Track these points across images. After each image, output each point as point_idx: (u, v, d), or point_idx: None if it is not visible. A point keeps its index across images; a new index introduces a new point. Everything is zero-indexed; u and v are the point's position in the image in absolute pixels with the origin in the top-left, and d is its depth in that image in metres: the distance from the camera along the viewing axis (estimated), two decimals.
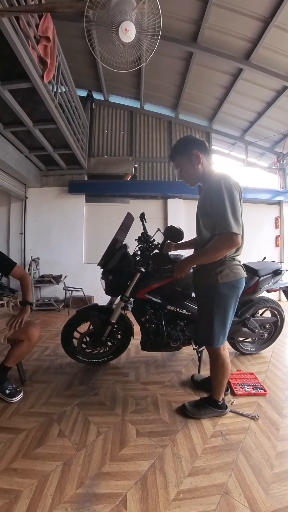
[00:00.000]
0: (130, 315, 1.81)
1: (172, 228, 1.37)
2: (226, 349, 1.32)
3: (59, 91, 2.86)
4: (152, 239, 1.76)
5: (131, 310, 1.73)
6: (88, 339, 1.82)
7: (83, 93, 4.71)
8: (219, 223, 1.09)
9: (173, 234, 1.36)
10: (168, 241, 1.49)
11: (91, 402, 1.49)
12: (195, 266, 1.34)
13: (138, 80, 4.47)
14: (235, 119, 4.86)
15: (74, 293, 3.79)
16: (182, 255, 1.73)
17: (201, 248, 1.26)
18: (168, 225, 1.45)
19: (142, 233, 1.78)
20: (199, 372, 1.76)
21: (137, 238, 1.78)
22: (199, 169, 1.23)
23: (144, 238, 1.75)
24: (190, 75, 4.06)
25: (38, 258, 4.16)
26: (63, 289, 3.80)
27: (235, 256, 1.24)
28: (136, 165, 4.93)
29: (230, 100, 4.35)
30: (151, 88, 4.60)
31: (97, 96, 4.96)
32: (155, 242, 1.76)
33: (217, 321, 1.22)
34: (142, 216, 1.73)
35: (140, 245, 1.78)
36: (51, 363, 1.97)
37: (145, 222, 1.76)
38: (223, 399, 1.37)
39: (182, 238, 1.35)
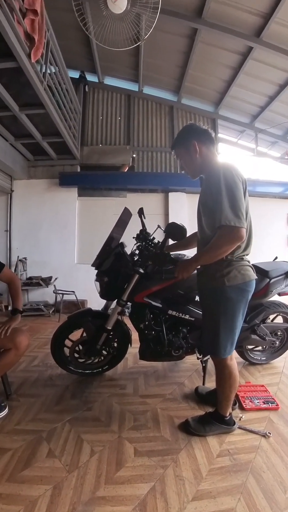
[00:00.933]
0: (127, 321, 1.81)
1: (173, 225, 1.36)
2: (233, 359, 1.31)
3: (48, 71, 2.83)
4: (151, 237, 1.75)
5: (129, 315, 1.73)
6: (81, 347, 1.81)
7: (75, 74, 4.68)
8: (218, 216, 1.10)
9: (175, 231, 1.36)
10: (169, 239, 1.49)
11: (84, 418, 1.48)
12: (199, 268, 1.34)
13: (137, 60, 4.45)
14: (244, 103, 4.84)
15: (66, 297, 3.77)
16: (185, 255, 1.72)
17: (204, 247, 1.27)
18: (170, 221, 1.45)
19: (140, 231, 1.77)
20: (203, 384, 1.76)
21: (135, 236, 1.77)
22: (197, 159, 1.25)
23: (143, 236, 1.75)
24: (194, 55, 4.04)
25: (25, 258, 4.15)
26: (53, 292, 3.79)
27: (243, 255, 1.23)
28: (134, 155, 4.92)
29: (239, 82, 4.33)
30: (151, 69, 4.58)
31: (90, 77, 4.94)
32: (155, 241, 1.75)
33: (223, 328, 1.21)
34: (141, 212, 1.73)
35: (138, 244, 1.77)
36: (40, 375, 1.97)
37: (144, 218, 1.75)
38: (230, 414, 1.37)
39: (185, 236, 1.35)
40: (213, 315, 1.23)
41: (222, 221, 1.08)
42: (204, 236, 1.27)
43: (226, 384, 1.30)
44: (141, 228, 1.79)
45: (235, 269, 1.19)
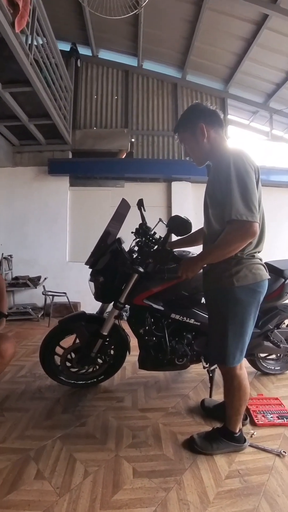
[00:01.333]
0: (125, 326, 1.81)
1: (177, 219, 1.35)
2: (243, 368, 1.31)
3: (35, 43, 2.80)
4: (152, 232, 1.74)
5: (127, 319, 1.73)
6: (73, 355, 1.81)
7: (65, 46, 4.64)
8: (228, 209, 1.09)
9: (178, 226, 1.35)
10: (172, 234, 1.48)
11: (77, 434, 1.48)
12: (205, 266, 1.34)
13: (136, 31, 4.39)
14: (257, 80, 4.80)
15: (56, 299, 3.78)
16: (189, 252, 1.71)
17: (211, 243, 1.26)
18: (173, 214, 1.43)
19: (140, 225, 1.76)
20: (210, 396, 1.76)
21: (134, 231, 1.76)
22: (205, 144, 1.25)
23: (142, 231, 1.73)
24: (201, 24, 3.98)
25: (10, 256, 4.14)
26: (43, 293, 3.79)
27: (255, 252, 1.23)
28: (133, 140, 4.89)
29: (252, 56, 4.29)
30: (152, 40, 4.52)
31: (83, 50, 4.89)
32: (156, 236, 1.74)
33: (232, 333, 1.21)
34: (140, 204, 1.72)
35: (137, 240, 1.76)
36: (27, 386, 1.97)
37: (144, 211, 1.74)
38: (240, 430, 1.37)
39: (190, 231, 1.35)
40: (221, 318, 1.23)
41: (233, 215, 1.07)
42: (211, 231, 1.26)
43: (236, 397, 1.29)
44: (141, 222, 1.77)
45: (245, 267, 1.19)
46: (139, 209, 1.74)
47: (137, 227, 1.78)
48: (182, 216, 1.37)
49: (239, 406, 1.30)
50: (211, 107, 1.28)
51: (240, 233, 1.09)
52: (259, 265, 1.23)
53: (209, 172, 1.32)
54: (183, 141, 1.31)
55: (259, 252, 1.24)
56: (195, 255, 1.34)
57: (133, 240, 1.80)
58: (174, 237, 1.54)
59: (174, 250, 1.65)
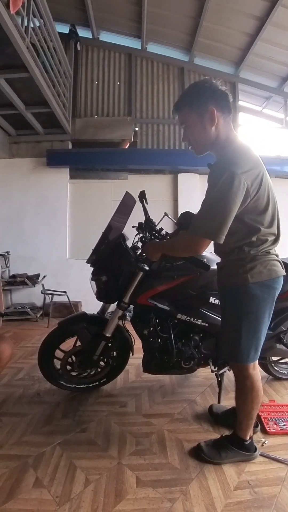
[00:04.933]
0: (129, 327, 1.81)
1: (188, 216, 1.34)
2: (257, 368, 1.32)
3: (32, 25, 2.79)
4: (158, 227, 1.71)
5: (131, 320, 1.72)
6: (74, 359, 1.81)
7: (64, 29, 4.61)
8: (194, 219, 1.19)
9: (188, 223, 1.33)
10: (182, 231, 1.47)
11: (78, 440, 1.49)
12: (219, 262, 1.37)
13: (139, 10, 4.33)
14: (270, 63, 4.71)
15: (56, 298, 3.80)
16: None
17: (218, 253, 1.36)
18: (179, 208, 1.42)
19: (145, 219, 1.74)
20: (219, 402, 1.76)
21: (137, 226, 1.74)
22: (212, 132, 1.19)
23: (148, 226, 1.71)
24: (210, 2, 3.91)
25: (7, 253, 4.17)
26: (41, 292, 3.81)
27: (270, 249, 1.23)
28: (137, 129, 4.86)
29: (265, 36, 4.20)
30: (157, 21, 4.46)
31: (83, 33, 4.85)
32: (163, 232, 1.72)
33: (246, 330, 1.22)
34: (142, 196, 1.70)
35: (141, 235, 1.74)
36: (25, 390, 1.98)
37: (146, 203, 1.73)
38: (251, 437, 1.36)
39: None
40: (235, 314, 1.24)
41: (196, 231, 1.15)
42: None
43: (248, 399, 1.28)
44: (145, 216, 1.76)
45: (259, 264, 1.20)
46: (141, 201, 1.72)
47: (141, 222, 1.76)
48: (193, 213, 1.36)
49: (251, 409, 1.30)
50: (221, 87, 1.19)
51: (188, 245, 1.23)
52: (275, 261, 1.23)
53: (210, 166, 1.25)
54: (185, 123, 1.22)
55: (275, 247, 1.25)
56: (160, 242, 1.44)
57: (136, 235, 1.78)
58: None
59: None
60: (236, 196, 1.08)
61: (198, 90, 1.19)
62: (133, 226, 1.76)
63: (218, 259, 1.42)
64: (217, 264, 1.38)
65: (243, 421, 1.32)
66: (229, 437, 1.38)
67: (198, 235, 1.14)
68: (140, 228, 1.74)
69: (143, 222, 1.74)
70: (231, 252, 1.24)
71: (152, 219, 1.76)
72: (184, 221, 1.36)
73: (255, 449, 1.36)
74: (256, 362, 1.29)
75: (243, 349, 1.22)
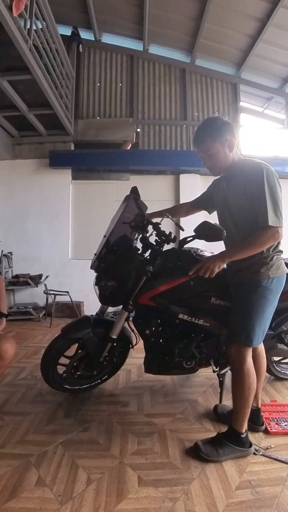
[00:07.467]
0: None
1: (206, 226, 1.33)
2: (251, 356, 1.39)
3: (34, 28, 2.80)
4: (168, 232, 1.65)
5: (132, 320, 1.72)
6: (78, 362, 1.80)
7: (66, 31, 4.62)
8: (263, 216, 1.29)
9: (208, 233, 1.34)
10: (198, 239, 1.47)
11: (80, 440, 1.49)
12: (239, 263, 1.43)
13: (141, 12, 4.34)
14: (272, 64, 4.71)
15: (58, 298, 3.80)
16: (198, 248, 1.68)
17: (229, 246, 1.46)
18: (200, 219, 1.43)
19: (147, 220, 1.72)
20: (220, 401, 1.76)
21: (132, 225, 1.67)
22: (230, 157, 1.41)
23: (155, 227, 1.64)
24: (211, 3, 3.92)
25: (10, 253, 4.18)
26: (44, 292, 3.82)
27: (281, 248, 1.41)
28: (139, 130, 4.86)
29: (266, 37, 4.20)
30: (159, 22, 4.48)
31: (85, 35, 4.87)
32: (167, 232, 1.68)
33: (257, 314, 1.35)
34: (134, 192, 1.69)
35: (141, 236, 1.70)
36: (28, 389, 1.99)
37: (139, 198, 1.74)
38: (246, 431, 1.38)
39: (222, 239, 1.34)
40: (248, 301, 1.37)
41: (269, 222, 1.28)
42: (232, 235, 1.43)
43: (245, 385, 1.33)
44: (141, 214, 1.72)
45: (277, 262, 1.39)
46: (134, 198, 1.71)
47: (140, 222, 1.72)
48: (213, 223, 1.36)
49: (248, 396, 1.34)
50: (225, 118, 1.44)
51: (272, 237, 1.31)
52: (282, 260, 1.42)
53: (219, 182, 1.55)
54: (209, 152, 1.40)
55: (281, 249, 1.43)
56: (217, 253, 1.41)
57: (131, 233, 1.72)
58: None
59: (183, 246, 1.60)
60: (279, 188, 1.32)
61: (218, 124, 1.40)
62: (125, 222, 1.68)
63: None
64: (236, 265, 1.43)
65: (240, 410, 1.36)
66: (225, 433, 1.40)
67: (277, 226, 1.28)
68: (137, 227, 1.67)
69: (143, 222, 1.71)
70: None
71: (145, 216, 1.71)
72: (204, 231, 1.35)
73: (250, 445, 1.39)
74: (251, 352, 1.39)
75: (255, 332, 1.34)
